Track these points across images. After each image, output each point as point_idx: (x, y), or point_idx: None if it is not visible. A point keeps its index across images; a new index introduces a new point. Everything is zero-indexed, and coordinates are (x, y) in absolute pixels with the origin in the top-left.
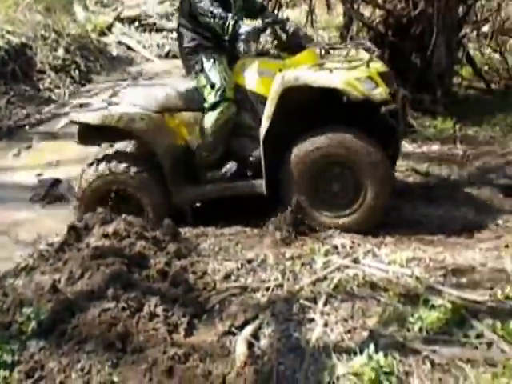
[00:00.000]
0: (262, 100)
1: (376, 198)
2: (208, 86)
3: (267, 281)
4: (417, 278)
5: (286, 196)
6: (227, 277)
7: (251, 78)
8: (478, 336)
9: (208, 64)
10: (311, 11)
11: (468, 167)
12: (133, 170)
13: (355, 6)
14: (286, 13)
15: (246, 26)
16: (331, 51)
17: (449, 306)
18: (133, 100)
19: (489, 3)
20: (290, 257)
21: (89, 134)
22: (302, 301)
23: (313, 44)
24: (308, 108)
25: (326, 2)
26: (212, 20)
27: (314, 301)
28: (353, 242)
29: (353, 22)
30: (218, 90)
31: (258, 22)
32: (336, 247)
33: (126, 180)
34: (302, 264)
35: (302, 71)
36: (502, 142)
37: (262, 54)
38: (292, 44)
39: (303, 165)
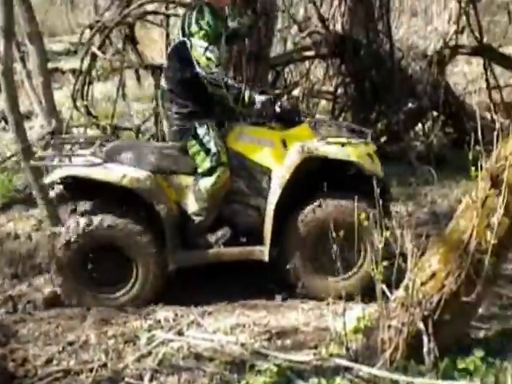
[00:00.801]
0: (260, 168)
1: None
2: (202, 152)
3: (90, 362)
4: (242, 344)
5: (287, 262)
6: (49, 361)
7: (250, 145)
8: None
9: (201, 130)
10: (122, 84)
11: None
12: (126, 226)
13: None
14: (97, 86)
15: (260, 96)
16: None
17: (275, 369)
18: (126, 159)
19: (298, 68)
20: (112, 335)
21: (73, 190)
22: (127, 379)
23: (306, 119)
24: (308, 178)
25: (136, 74)
26: (225, 91)
27: (140, 377)
28: (176, 315)
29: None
30: (214, 155)
31: (269, 94)
32: (159, 321)
33: (117, 238)
34: (126, 341)
35: (320, 144)
36: None
37: (257, 123)
38: (286, 117)
39: (308, 231)
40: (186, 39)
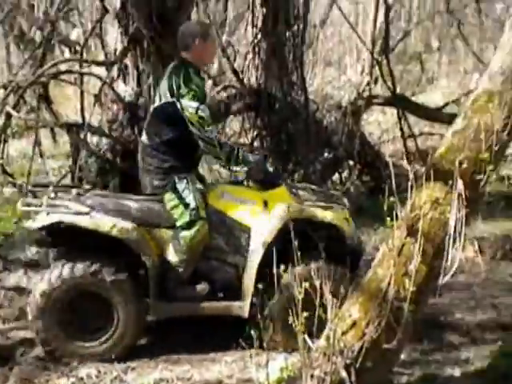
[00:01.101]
0: (240, 227)
1: None
2: (181, 206)
3: None
4: None
5: None
6: None
7: (231, 204)
8: None
9: (181, 185)
10: (38, 142)
11: None
12: (110, 275)
13: (82, 135)
14: (13, 144)
15: (253, 155)
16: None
17: None
18: (109, 209)
19: None
20: None
21: (56, 237)
22: None
23: (284, 182)
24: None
25: (51, 132)
26: (218, 149)
27: None
28: (99, 371)
29: (79, 150)
30: (193, 209)
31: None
32: (82, 378)
33: (100, 285)
34: None
35: (305, 206)
36: None
37: (236, 183)
38: (269, 178)
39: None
40: (175, 100)
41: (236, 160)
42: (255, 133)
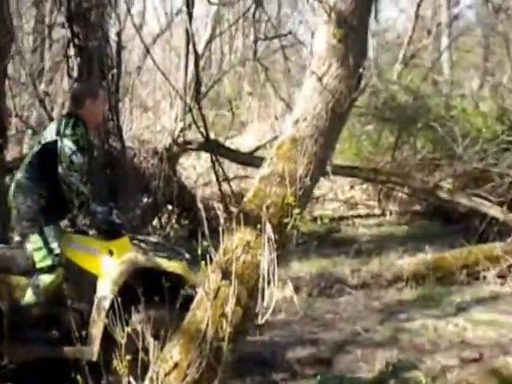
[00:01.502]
0: (87, 275)
1: None
2: (44, 249)
3: None
4: None
5: None
6: None
7: (78, 253)
8: None
9: (48, 229)
10: None
11: None
12: None
13: None
14: None
15: (100, 207)
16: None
17: None
18: None
19: None
20: None
21: None
22: None
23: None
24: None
25: None
26: (76, 195)
27: None
28: None
29: None
30: (57, 255)
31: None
32: None
33: None
34: None
35: (150, 256)
36: None
37: (82, 232)
38: (112, 229)
39: None
40: (58, 138)
41: (86, 210)
42: None
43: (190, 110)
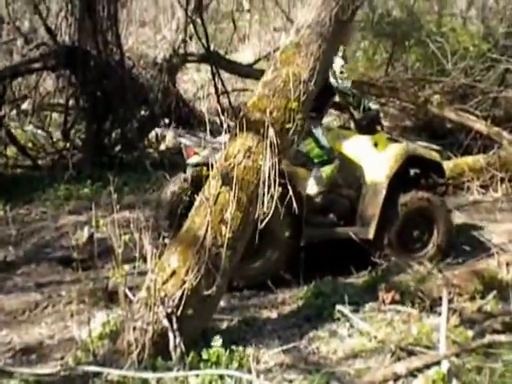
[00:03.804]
0: (355, 165)
1: None
2: (316, 148)
3: None
4: None
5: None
6: None
7: (349, 146)
8: None
9: (317, 131)
10: None
11: (24, 245)
12: None
13: None
14: None
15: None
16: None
17: None
18: None
19: (27, 80)
20: None
21: None
22: None
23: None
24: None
25: None
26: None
27: None
28: None
29: None
30: (328, 150)
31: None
32: None
33: None
34: None
35: (413, 145)
36: (54, 216)
37: (344, 127)
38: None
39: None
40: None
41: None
42: (70, 91)
43: (192, 22)
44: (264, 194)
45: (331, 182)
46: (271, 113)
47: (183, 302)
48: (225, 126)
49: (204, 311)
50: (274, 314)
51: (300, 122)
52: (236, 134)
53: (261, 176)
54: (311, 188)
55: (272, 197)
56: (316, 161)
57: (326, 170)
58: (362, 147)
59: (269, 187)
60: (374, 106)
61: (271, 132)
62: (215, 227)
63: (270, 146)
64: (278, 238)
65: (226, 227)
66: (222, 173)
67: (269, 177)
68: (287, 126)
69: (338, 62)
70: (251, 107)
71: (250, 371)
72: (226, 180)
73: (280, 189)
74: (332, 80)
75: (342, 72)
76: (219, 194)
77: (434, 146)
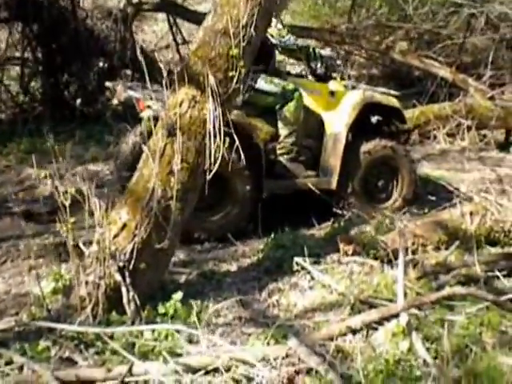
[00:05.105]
0: (313, 115)
1: None
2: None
3: None
4: None
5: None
6: None
7: (306, 96)
8: (8, 363)
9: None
10: None
11: None
12: None
13: None
14: None
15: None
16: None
17: None
18: None
19: None
20: None
21: None
22: None
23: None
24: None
25: None
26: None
27: None
28: None
29: None
30: (280, 92)
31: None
32: None
33: None
34: None
35: (371, 92)
36: (17, 169)
37: (300, 76)
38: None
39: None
40: None
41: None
42: (25, 44)
43: None
44: (211, 145)
45: (298, 117)
46: (212, 60)
47: (135, 256)
48: (164, 73)
49: (157, 265)
50: (233, 267)
51: (243, 70)
52: (178, 84)
53: (207, 126)
54: (282, 131)
55: (218, 147)
56: (277, 107)
57: (289, 108)
58: (319, 96)
59: (215, 137)
60: (326, 53)
61: (212, 80)
62: (164, 179)
63: (213, 95)
64: (238, 190)
65: (175, 178)
66: (167, 123)
67: (214, 127)
68: (230, 73)
69: (273, 23)
70: (193, 55)
71: (195, 326)
72: (172, 130)
73: (228, 139)
74: (273, 40)
75: (279, 29)
76: (166, 145)
77: (393, 92)
